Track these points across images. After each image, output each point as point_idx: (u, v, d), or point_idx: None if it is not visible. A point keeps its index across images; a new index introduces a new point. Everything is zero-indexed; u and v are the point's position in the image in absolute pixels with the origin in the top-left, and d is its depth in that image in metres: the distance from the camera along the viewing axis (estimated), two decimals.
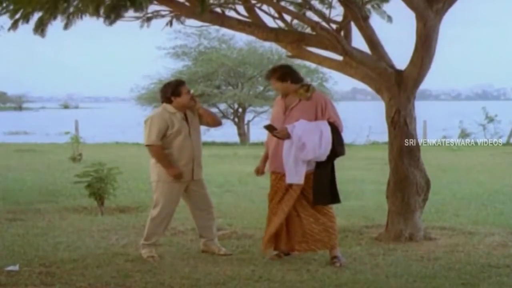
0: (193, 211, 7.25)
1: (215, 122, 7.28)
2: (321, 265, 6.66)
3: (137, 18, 7.99)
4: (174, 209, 7.14)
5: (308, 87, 6.88)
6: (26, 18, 7.31)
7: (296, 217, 6.82)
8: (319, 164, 6.74)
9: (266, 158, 7.04)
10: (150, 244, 7.05)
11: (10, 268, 6.43)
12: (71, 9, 7.35)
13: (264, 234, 7.01)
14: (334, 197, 6.83)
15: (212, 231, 7.23)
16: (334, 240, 6.83)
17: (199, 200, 7.18)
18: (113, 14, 6.66)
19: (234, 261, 6.82)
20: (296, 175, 6.70)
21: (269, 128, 6.84)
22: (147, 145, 7.04)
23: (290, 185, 6.78)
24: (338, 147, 6.78)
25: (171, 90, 7.04)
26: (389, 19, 8.58)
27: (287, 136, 6.70)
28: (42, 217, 9.39)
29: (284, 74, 6.89)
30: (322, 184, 6.72)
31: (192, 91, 7.16)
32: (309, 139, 6.65)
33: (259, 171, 7.09)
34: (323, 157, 6.71)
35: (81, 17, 7.41)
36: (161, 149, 6.97)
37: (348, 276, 6.27)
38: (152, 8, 7.83)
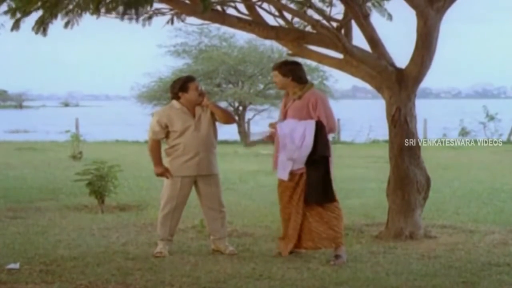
0: (202, 208, 7.26)
1: (225, 119, 7.21)
2: (322, 263, 6.66)
3: (138, 16, 7.98)
4: (179, 205, 7.13)
5: (303, 87, 6.90)
6: (26, 15, 7.33)
7: (303, 216, 6.84)
8: (310, 164, 6.75)
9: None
10: (162, 239, 7.09)
11: (11, 266, 6.44)
12: (71, 7, 7.36)
13: (283, 236, 7.00)
14: (327, 196, 6.80)
15: (219, 230, 7.20)
16: (338, 239, 6.85)
17: (208, 198, 7.16)
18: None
19: (235, 259, 6.82)
20: (283, 171, 6.81)
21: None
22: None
23: (297, 183, 6.79)
24: (320, 147, 6.74)
25: (178, 86, 7.10)
26: (389, 17, 8.57)
27: (275, 133, 6.89)
28: (42, 215, 9.39)
29: (288, 70, 6.92)
30: (314, 182, 6.75)
31: (201, 88, 7.19)
32: (289, 140, 6.73)
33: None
34: (302, 159, 6.74)
35: (81, 14, 7.43)
36: (156, 144, 7.16)
37: (348, 274, 6.27)
38: (153, 6, 7.83)
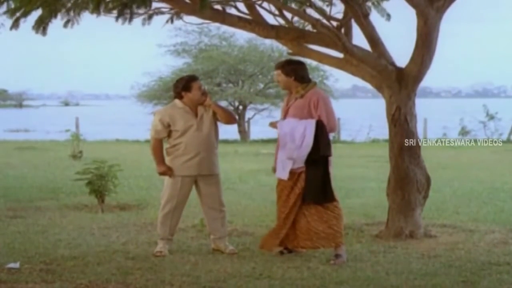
0: (203, 208, 7.27)
1: (226, 119, 7.19)
2: (322, 263, 6.66)
3: (139, 15, 7.99)
4: (179, 205, 7.13)
5: (306, 86, 6.90)
6: (25, 15, 7.34)
7: (301, 215, 6.85)
8: (310, 163, 6.76)
9: None
10: (162, 239, 7.10)
11: (11, 265, 6.44)
12: (70, 5, 7.37)
13: (273, 233, 7.02)
14: (326, 196, 6.80)
15: (220, 229, 7.21)
16: (338, 238, 6.83)
17: (209, 197, 7.17)
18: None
19: (235, 259, 6.82)
20: (283, 170, 6.82)
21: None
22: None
23: (295, 183, 6.80)
24: (323, 147, 6.74)
25: (181, 86, 7.10)
26: (388, 17, 8.57)
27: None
28: (42, 215, 9.39)
29: (290, 69, 6.93)
30: (313, 182, 6.75)
31: (204, 87, 7.21)
32: (290, 139, 6.73)
33: None
34: (302, 158, 6.74)
35: (80, 14, 7.44)
36: (158, 143, 7.15)
37: (348, 273, 6.27)
38: (153, 5, 7.84)
